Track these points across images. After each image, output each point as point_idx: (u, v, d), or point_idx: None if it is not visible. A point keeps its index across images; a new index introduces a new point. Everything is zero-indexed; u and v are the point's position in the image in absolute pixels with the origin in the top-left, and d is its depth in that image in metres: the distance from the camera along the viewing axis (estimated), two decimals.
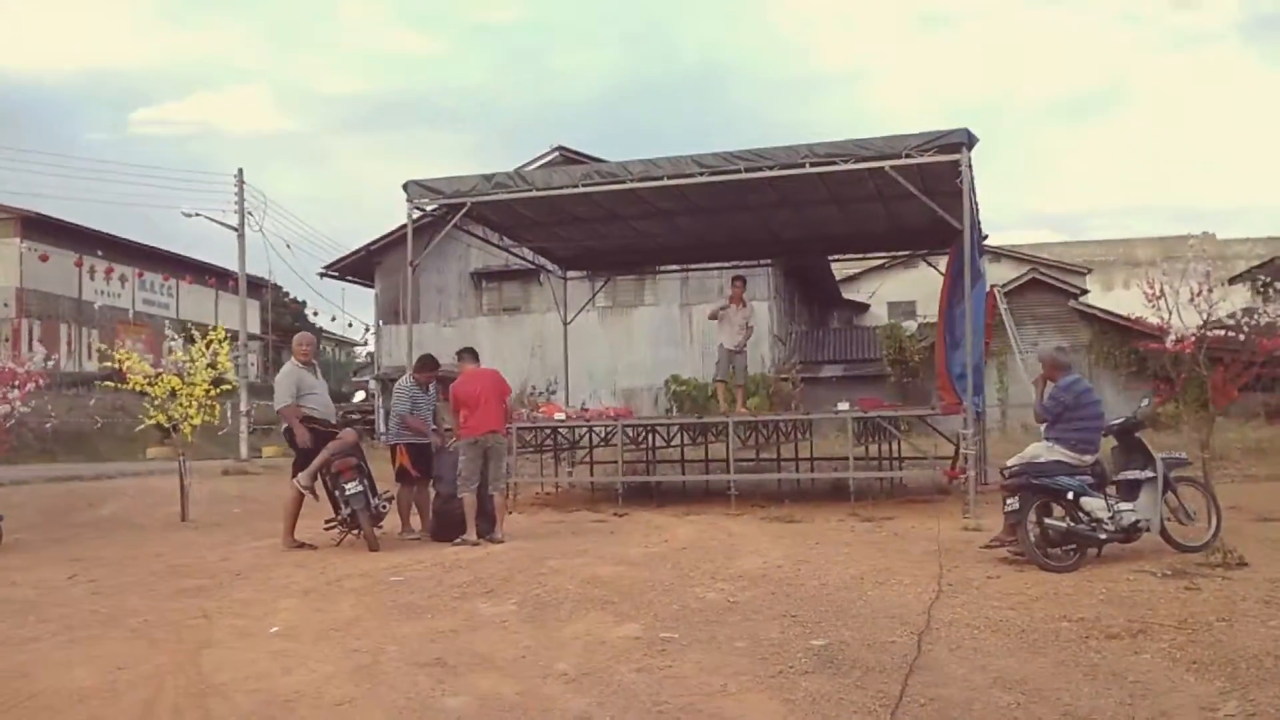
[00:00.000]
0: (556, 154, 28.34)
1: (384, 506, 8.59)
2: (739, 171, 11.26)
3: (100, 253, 38.00)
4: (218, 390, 11.66)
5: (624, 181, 11.70)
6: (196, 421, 11.42)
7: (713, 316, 14.02)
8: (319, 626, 5.59)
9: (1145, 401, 7.98)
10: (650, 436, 15.04)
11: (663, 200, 13.01)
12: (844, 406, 13.12)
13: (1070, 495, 7.06)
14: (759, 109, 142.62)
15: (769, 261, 21.70)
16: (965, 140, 10.50)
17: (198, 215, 28.93)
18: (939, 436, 14.23)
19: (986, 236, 12.85)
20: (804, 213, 14.03)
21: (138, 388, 11.24)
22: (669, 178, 11.52)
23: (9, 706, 4.23)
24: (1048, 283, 26.00)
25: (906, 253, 19.92)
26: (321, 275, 29.70)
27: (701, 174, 11.39)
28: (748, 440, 14.64)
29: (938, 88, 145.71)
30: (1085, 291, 27.84)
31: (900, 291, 40.14)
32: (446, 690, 4.37)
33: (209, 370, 11.36)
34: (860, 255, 22.66)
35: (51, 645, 5.25)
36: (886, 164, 10.79)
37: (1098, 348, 25.69)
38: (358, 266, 30.04)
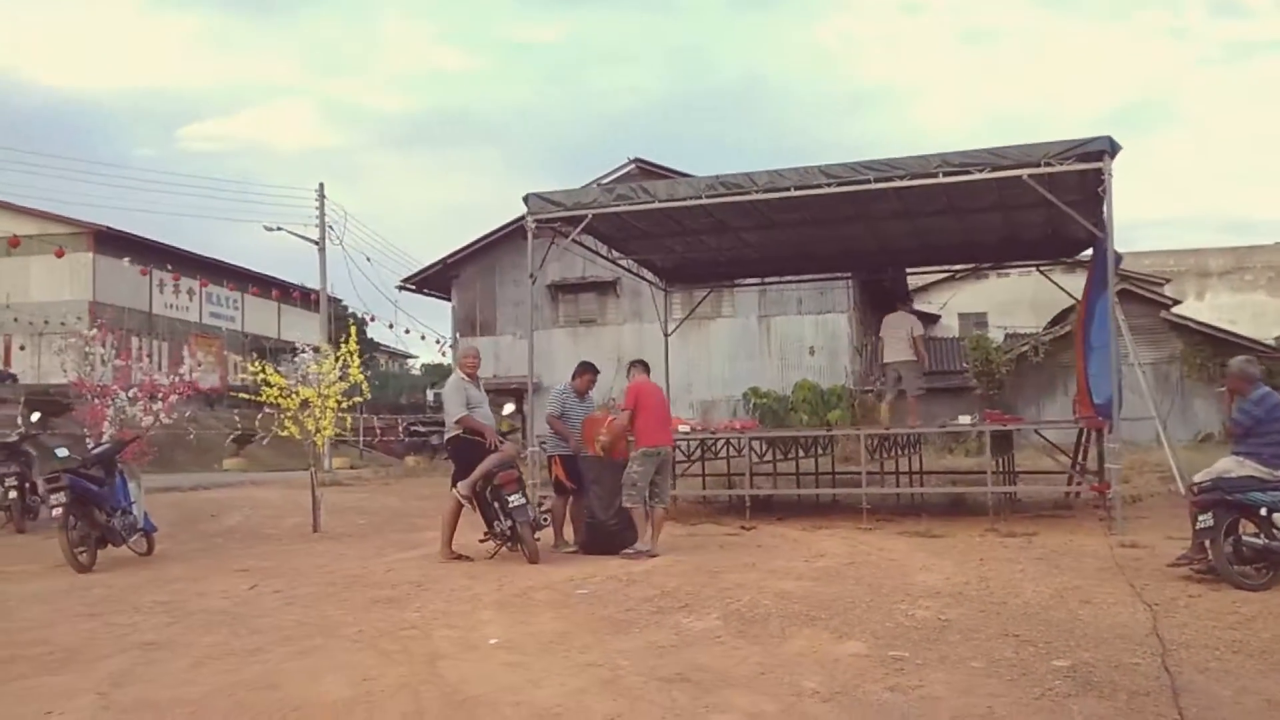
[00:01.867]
0: (633, 166, 28.43)
1: (545, 519, 8.56)
2: (868, 182, 11.15)
3: (169, 266, 38.69)
4: (349, 402, 11.74)
5: (749, 192, 11.63)
6: (329, 433, 11.51)
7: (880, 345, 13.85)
8: (536, 639, 5.55)
9: None
10: (770, 450, 15.07)
11: (778, 211, 12.91)
12: (965, 420, 13.00)
13: (1264, 511, 6.88)
14: (804, 126, 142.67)
15: (847, 275, 21.67)
16: (1108, 148, 10.30)
17: (280, 230, 29.44)
18: (1051, 449, 14.09)
19: (1122, 258, 12.58)
20: (918, 223, 13.87)
21: (272, 400, 11.36)
22: (795, 189, 11.45)
23: (278, 718, 4.24)
24: (1139, 293, 25.52)
25: (1021, 264, 19.62)
26: (400, 288, 29.94)
27: (829, 184, 11.29)
28: (874, 453, 14.38)
29: (982, 102, 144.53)
30: (1177, 302, 27.33)
31: (972, 303, 39.81)
32: (710, 706, 4.30)
33: (341, 383, 11.44)
34: (972, 266, 22.38)
35: (281, 656, 5.25)
36: (1024, 172, 10.64)
37: (1190, 359, 25.21)
38: (434, 280, 30.28)
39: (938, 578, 7.34)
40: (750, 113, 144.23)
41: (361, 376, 11.62)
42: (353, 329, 11.81)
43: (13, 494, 11.34)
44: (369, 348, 40.22)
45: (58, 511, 8.33)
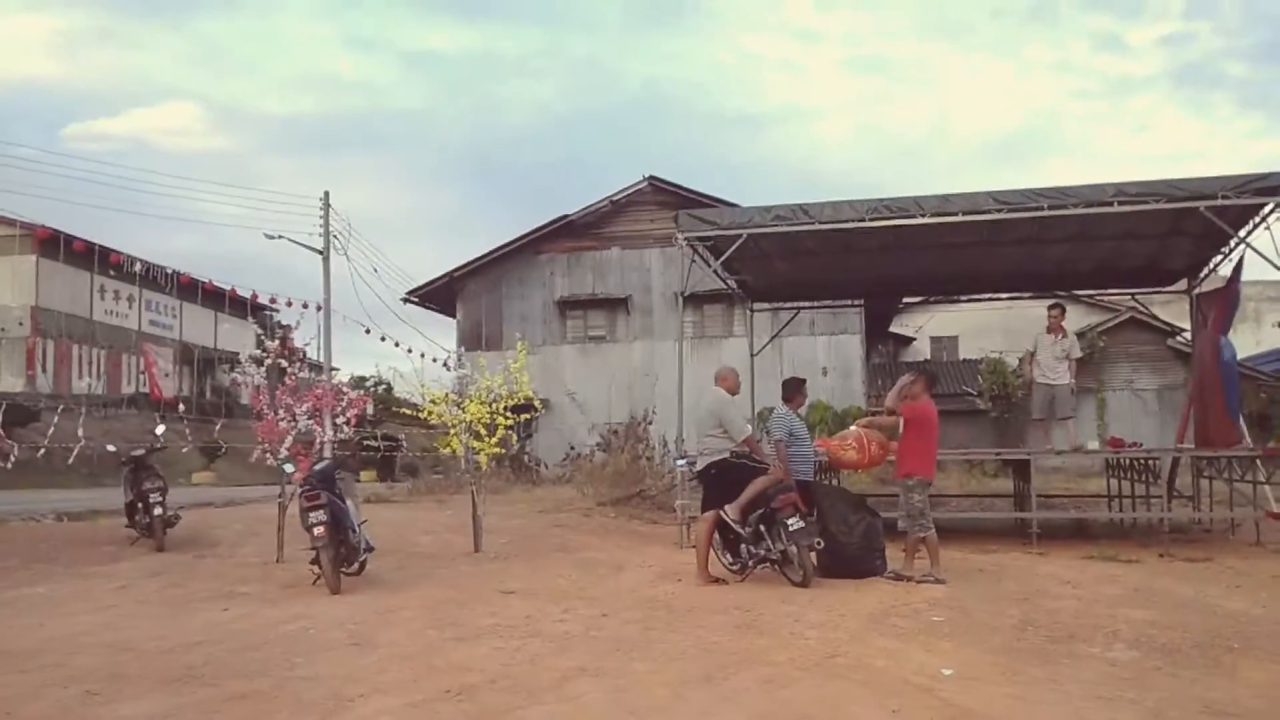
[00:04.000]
0: (646, 184, 28.36)
1: (819, 543, 8.39)
2: (1041, 209, 11.31)
3: (111, 273, 36.98)
4: (519, 417, 11.42)
5: (914, 216, 11.69)
6: (494, 450, 11.16)
7: (1028, 360, 13.80)
8: (979, 667, 5.46)
9: None
10: None
11: (915, 235, 12.99)
12: (1093, 446, 13.30)
13: None
14: (705, 142, 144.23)
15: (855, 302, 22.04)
16: None
17: (281, 238, 28.55)
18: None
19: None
20: (1040, 249, 14.14)
21: (435, 418, 10.99)
22: (964, 214, 11.56)
23: None
24: (1145, 321, 26.41)
25: (1116, 291, 20.24)
26: (405, 301, 29.29)
27: (1000, 210, 11.43)
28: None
29: (877, 127, 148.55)
30: (1181, 330, 28.35)
31: (943, 327, 40.64)
32: None
33: (510, 398, 11.12)
34: (1072, 291, 22.56)
35: (754, 686, 5.07)
36: (1201, 204, 10.94)
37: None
38: (439, 294, 29.72)
39: (1246, 605, 7.45)
40: (652, 128, 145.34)
41: (531, 392, 11.31)
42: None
43: (157, 509, 10.73)
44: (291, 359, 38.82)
45: (320, 530, 7.92)
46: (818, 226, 12.02)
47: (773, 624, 6.67)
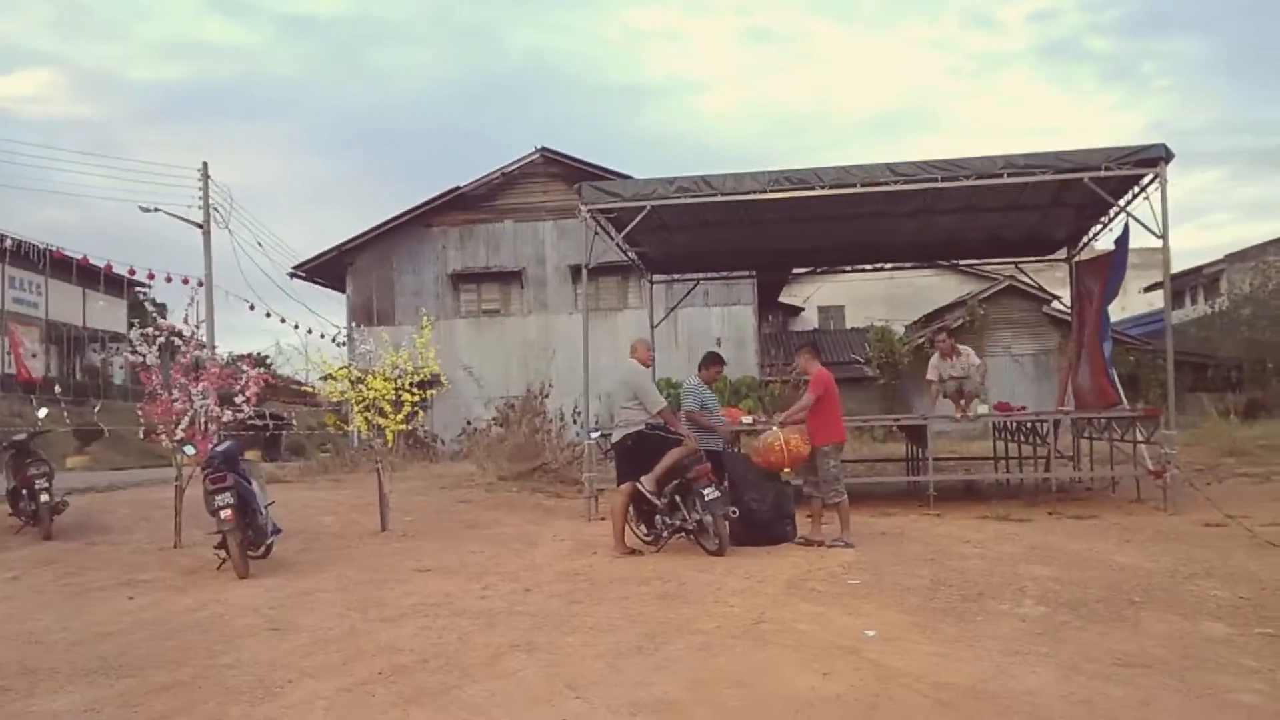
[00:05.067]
0: (538, 155, 28.11)
1: (734, 512, 8.49)
2: (935, 180, 11.59)
3: None
4: (425, 393, 11.24)
5: (814, 188, 11.87)
6: (400, 427, 10.97)
7: (935, 379, 13.64)
8: (897, 629, 5.62)
9: None
10: None
11: (812, 207, 13.17)
12: (982, 409, 13.75)
13: None
14: (590, 114, 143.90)
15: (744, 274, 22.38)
16: (1164, 154, 11.13)
17: (157, 210, 27.44)
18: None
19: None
20: (931, 220, 14.53)
21: (335, 395, 10.75)
22: (862, 185, 11.76)
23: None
24: (1022, 289, 27.41)
25: (1000, 260, 20.68)
26: (291, 275, 28.48)
27: (897, 182, 11.68)
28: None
29: (762, 99, 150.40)
30: (1056, 297, 29.44)
31: (830, 297, 41.48)
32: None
33: (415, 374, 10.95)
34: (959, 260, 23.08)
35: (686, 654, 5.14)
36: (1085, 176, 11.37)
37: (1066, 350, 27.26)
38: (327, 268, 28.98)
39: (1137, 557, 7.84)
40: (538, 99, 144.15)
41: (437, 365, 11.16)
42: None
43: (44, 496, 10.24)
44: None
45: (227, 514, 7.67)
46: (720, 198, 12.08)
47: (695, 592, 6.75)
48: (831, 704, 4.31)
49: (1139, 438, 12.13)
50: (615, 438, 8.95)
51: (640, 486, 8.47)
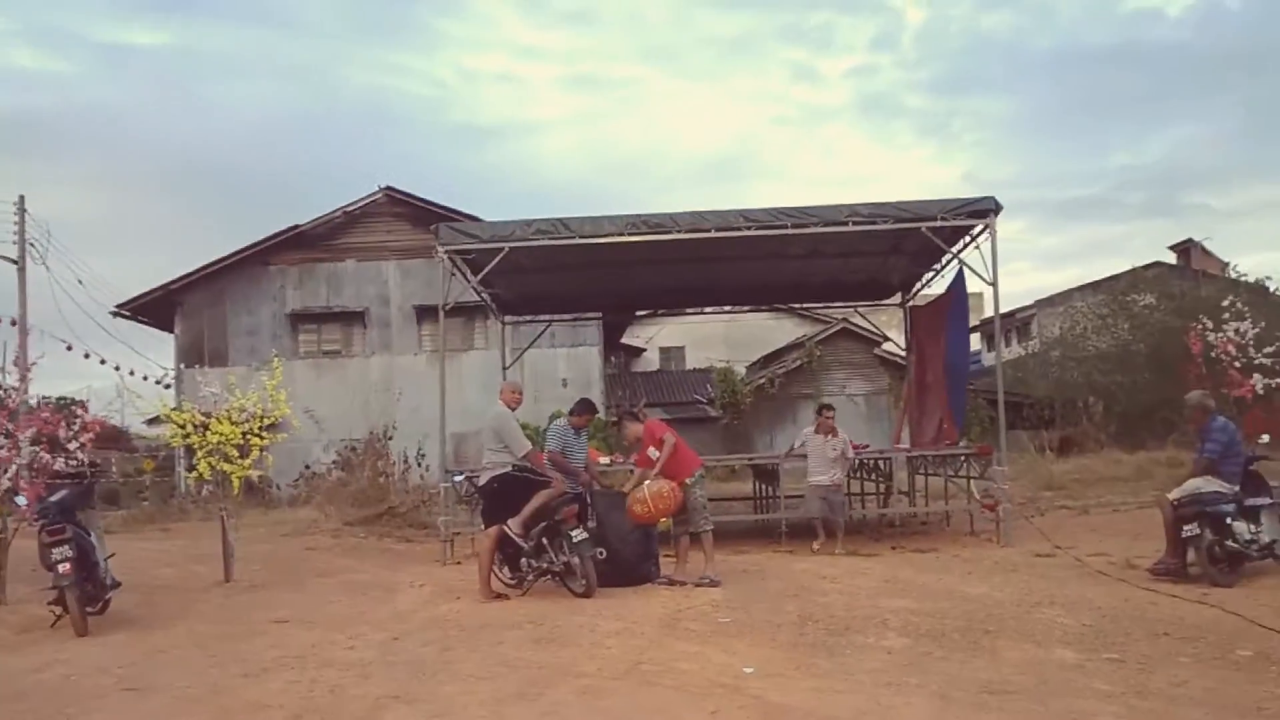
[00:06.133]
0: (382, 195, 27.65)
1: (602, 553, 8.48)
2: (785, 227, 12.03)
3: None
4: (276, 437, 10.83)
5: (670, 232, 12.13)
6: (246, 472, 10.52)
7: (792, 453, 12.48)
8: (773, 665, 5.75)
9: (1265, 439, 9.56)
10: None
11: (665, 250, 13.41)
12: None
13: (1228, 520, 8.39)
14: (426, 153, 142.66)
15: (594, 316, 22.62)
16: (994, 206, 11.90)
17: None
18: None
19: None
20: (778, 265, 15.01)
21: (177, 440, 10.26)
22: (716, 230, 12.10)
23: None
24: (856, 332, 28.57)
25: (841, 305, 21.07)
26: (114, 314, 26.92)
27: (750, 228, 12.06)
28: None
29: (600, 141, 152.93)
30: (887, 339, 30.74)
31: (672, 338, 42.17)
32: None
33: (265, 417, 10.54)
34: (803, 304, 23.26)
35: (572, 698, 5.12)
36: (923, 225, 12.01)
37: (896, 390, 28.51)
38: (154, 307, 27.57)
39: (983, 589, 8.26)
40: (378, 138, 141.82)
41: (287, 409, 10.79)
42: None
43: None
44: None
45: (66, 567, 7.18)
46: (578, 240, 12.19)
47: (571, 635, 6.72)
48: None
49: (974, 473, 12.79)
50: (482, 480, 8.85)
51: (507, 529, 8.39)
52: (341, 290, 27.87)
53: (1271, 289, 26.83)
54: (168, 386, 25.41)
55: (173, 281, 27.14)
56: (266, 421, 10.64)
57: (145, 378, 23.90)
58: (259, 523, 17.78)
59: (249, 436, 10.42)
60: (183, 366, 27.58)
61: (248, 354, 27.13)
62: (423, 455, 22.69)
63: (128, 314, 27.46)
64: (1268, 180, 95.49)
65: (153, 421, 27.00)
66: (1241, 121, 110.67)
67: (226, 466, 10.38)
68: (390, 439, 23.09)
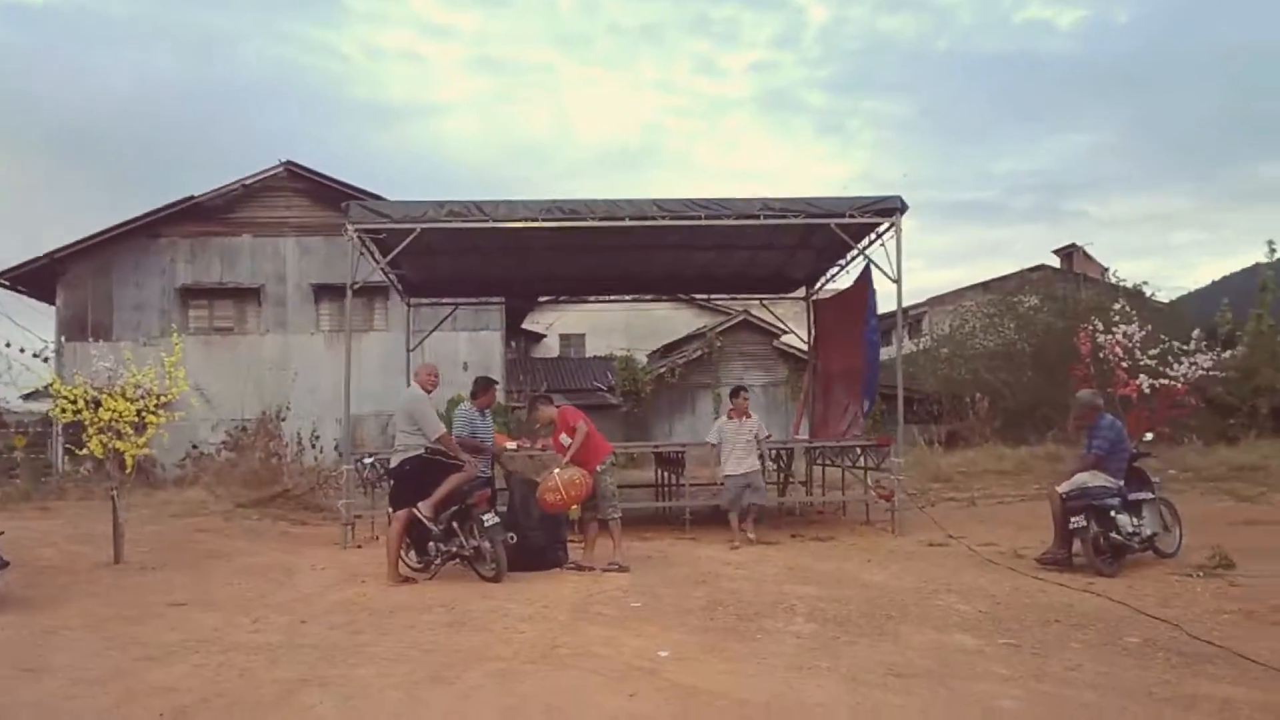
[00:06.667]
0: (283, 169, 26.90)
1: (513, 538, 8.45)
2: (699, 218, 12.14)
3: None
4: (173, 416, 10.48)
5: (585, 219, 12.12)
6: (142, 450, 10.17)
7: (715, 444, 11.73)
8: (686, 649, 5.84)
9: (1149, 436, 10.03)
10: None
11: (577, 237, 13.42)
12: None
13: (1113, 513, 8.81)
14: (327, 133, 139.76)
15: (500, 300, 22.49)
16: (899, 205, 12.21)
17: None
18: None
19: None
20: (688, 255, 15.15)
21: (67, 416, 9.86)
22: (631, 218, 12.13)
23: None
24: (756, 324, 28.95)
25: (747, 296, 21.12)
26: None
27: (662, 217, 12.13)
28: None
29: (501, 126, 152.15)
30: (787, 331, 31.17)
31: (572, 325, 42.13)
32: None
33: (161, 395, 10.20)
34: (709, 295, 23.12)
35: (485, 681, 5.12)
36: (832, 221, 12.25)
37: (793, 382, 29.03)
38: (34, 277, 26.34)
39: (882, 576, 8.50)
40: (277, 111, 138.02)
41: (186, 384, 10.47)
42: None
43: None
44: None
45: None
46: (492, 224, 12.10)
47: (483, 619, 6.70)
48: None
49: (870, 465, 13.13)
50: (394, 463, 8.74)
51: (417, 512, 8.30)
52: (236, 266, 27.03)
53: (1148, 294, 28.10)
54: (46, 360, 24.57)
55: (56, 250, 25.95)
56: (164, 399, 10.30)
57: (23, 350, 22.92)
58: (144, 504, 17.13)
59: (144, 414, 10.08)
60: (64, 340, 26.57)
61: (134, 329, 26.13)
62: (317, 437, 22.25)
63: (5, 284, 26.20)
64: (1143, 191, 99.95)
65: (29, 396, 25.88)
66: (1122, 135, 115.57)
67: (120, 445, 10.02)
68: (284, 420, 22.58)
